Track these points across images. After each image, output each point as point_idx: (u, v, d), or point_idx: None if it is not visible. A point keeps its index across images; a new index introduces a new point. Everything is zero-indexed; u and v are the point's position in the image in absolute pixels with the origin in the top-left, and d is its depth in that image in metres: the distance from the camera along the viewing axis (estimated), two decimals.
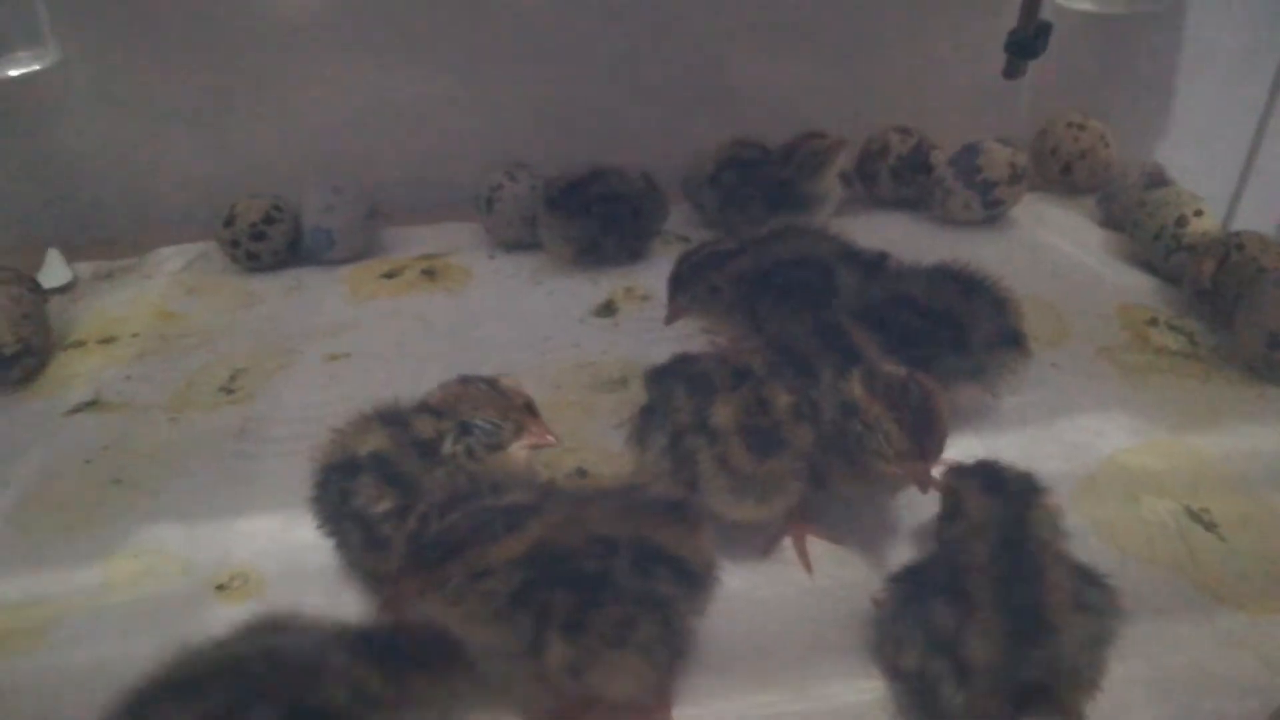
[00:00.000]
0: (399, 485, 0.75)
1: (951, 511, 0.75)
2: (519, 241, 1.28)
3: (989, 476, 0.74)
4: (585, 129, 1.33)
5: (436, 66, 1.34)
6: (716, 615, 0.73)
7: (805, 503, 0.82)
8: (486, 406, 0.80)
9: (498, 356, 1.06)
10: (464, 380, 0.83)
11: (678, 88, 1.37)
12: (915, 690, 0.67)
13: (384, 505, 0.75)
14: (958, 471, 0.76)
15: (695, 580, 0.68)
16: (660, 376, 0.86)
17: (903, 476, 0.76)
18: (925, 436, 0.75)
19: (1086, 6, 1.35)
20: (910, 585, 0.70)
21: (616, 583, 0.65)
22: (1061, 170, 1.36)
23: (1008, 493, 0.72)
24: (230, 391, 1.05)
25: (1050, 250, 1.25)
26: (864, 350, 0.85)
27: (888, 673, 0.70)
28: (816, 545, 0.83)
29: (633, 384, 1.00)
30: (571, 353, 1.08)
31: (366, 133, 1.36)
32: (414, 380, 1.00)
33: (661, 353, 1.03)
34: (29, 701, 0.72)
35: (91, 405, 1.04)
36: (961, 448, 0.89)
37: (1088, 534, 0.82)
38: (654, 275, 1.19)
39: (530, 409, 0.82)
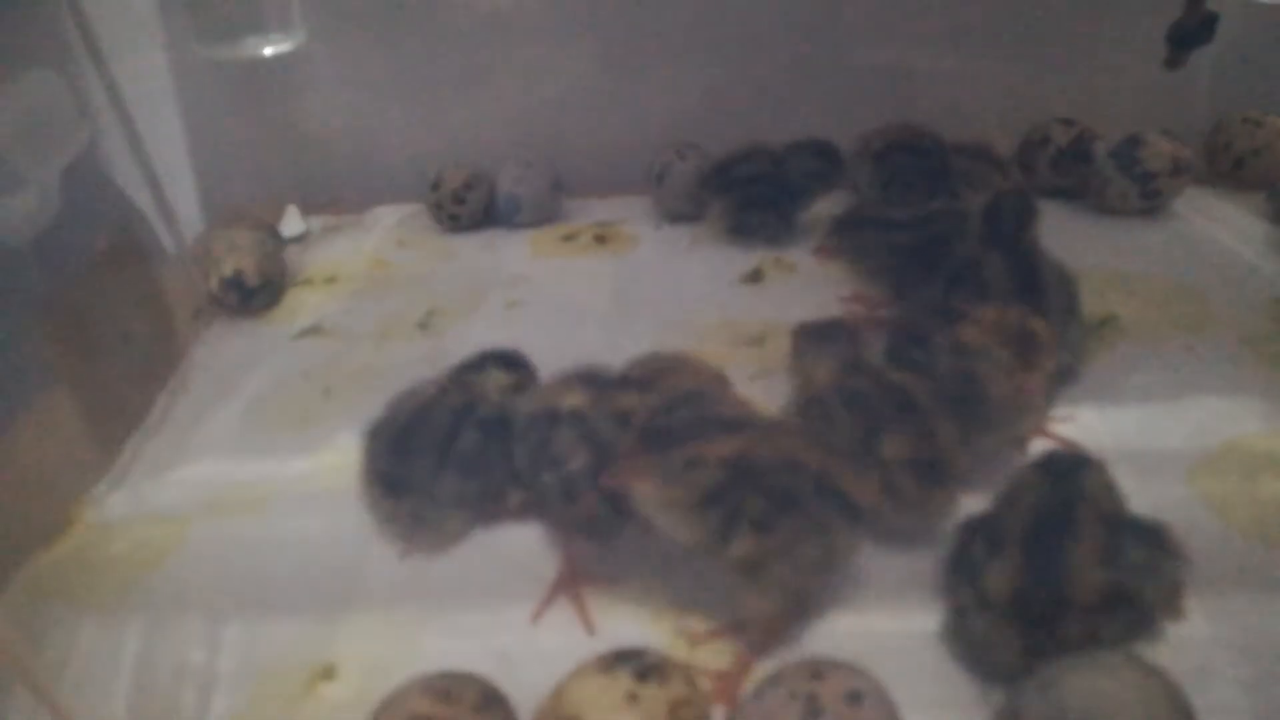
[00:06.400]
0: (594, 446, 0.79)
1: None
2: (684, 214, 1.38)
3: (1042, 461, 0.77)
4: (754, 113, 1.41)
5: (618, 56, 1.45)
6: None
7: None
8: (693, 381, 0.84)
9: (650, 310, 1.18)
10: (657, 357, 0.89)
11: (844, 75, 1.42)
12: (956, 622, 0.73)
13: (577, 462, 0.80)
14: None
15: (858, 517, 0.74)
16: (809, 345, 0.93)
17: (1017, 406, 0.83)
18: (1029, 351, 0.82)
19: None
20: (963, 533, 0.76)
21: (798, 501, 0.71)
22: (1233, 166, 1.33)
23: (1054, 469, 0.76)
24: (425, 327, 1.20)
25: (1207, 241, 1.23)
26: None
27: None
28: None
29: (769, 342, 1.09)
30: (717, 312, 1.17)
31: (555, 114, 1.49)
32: (577, 324, 1.14)
33: (798, 316, 1.11)
34: (247, 557, 0.87)
35: (314, 331, 1.21)
36: (1082, 422, 0.93)
37: (1198, 508, 0.83)
38: (801, 250, 1.27)
39: (722, 380, 0.87)
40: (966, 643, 0.72)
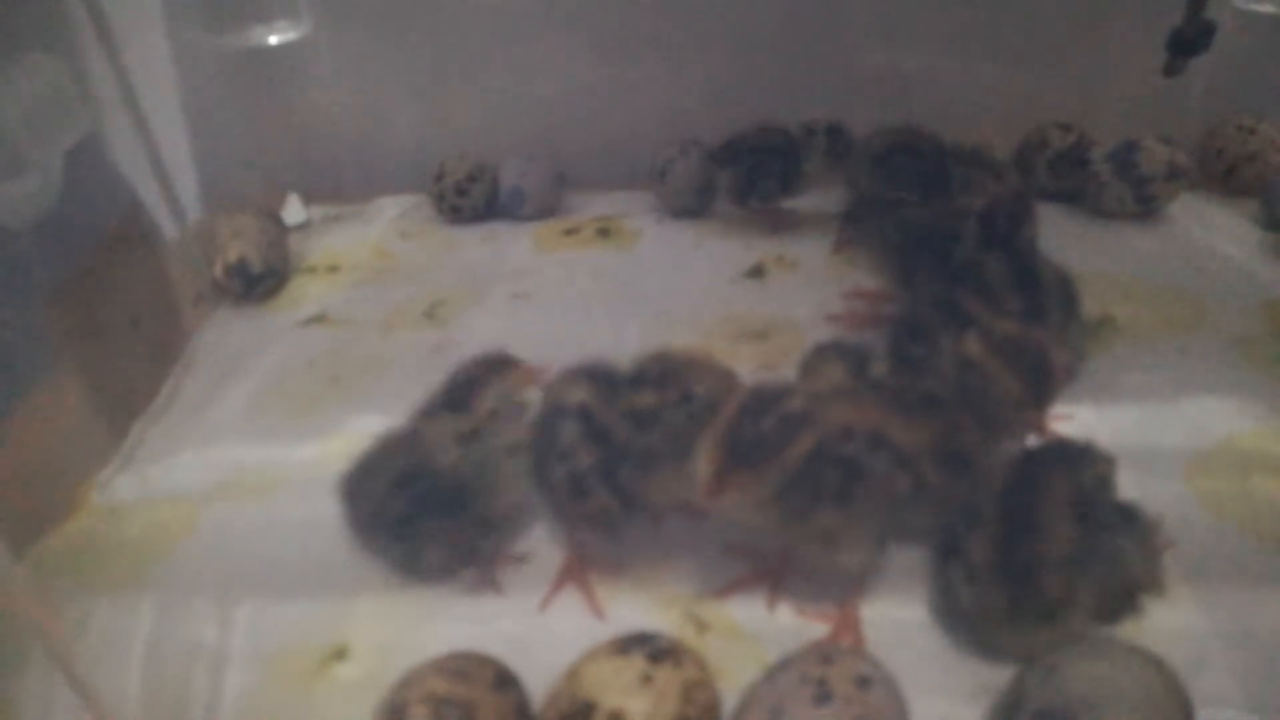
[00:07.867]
0: (602, 443, 0.79)
1: None
2: (686, 209, 1.40)
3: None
4: (756, 110, 1.41)
5: (622, 50, 1.45)
6: None
7: None
8: (708, 378, 0.82)
9: (655, 305, 1.18)
10: (667, 354, 0.86)
11: (846, 74, 1.43)
12: (945, 598, 0.76)
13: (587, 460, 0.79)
14: None
15: (906, 461, 0.76)
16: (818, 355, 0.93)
17: (1020, 424, 0.84)
18: (1039, 386, 0.83)
19: (1269, 8, 1.34)
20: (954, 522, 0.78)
21: (859, 463, 0.73)
22: (1226, 172, 1.35)
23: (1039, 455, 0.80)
24: (431, 317, 1.21)
25: (1201, 246, 1.25)
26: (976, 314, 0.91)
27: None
28: None
29: (772, 337, 1.11)
30: (720, 307, 1.18)
31: (559, 109, 1.49)
32: (581, 317, 1.15)
33: (800, 312, 1.13)
34: (255, 541, 0.88)
35: (318, 319, 1.22)
36: (1080, 420, 0.93)
37: (1193, 504, 0.85)
38: (803, 247, 1.29)
39: (731, 377, 0.85)
40: (956, 616, 0.75)
